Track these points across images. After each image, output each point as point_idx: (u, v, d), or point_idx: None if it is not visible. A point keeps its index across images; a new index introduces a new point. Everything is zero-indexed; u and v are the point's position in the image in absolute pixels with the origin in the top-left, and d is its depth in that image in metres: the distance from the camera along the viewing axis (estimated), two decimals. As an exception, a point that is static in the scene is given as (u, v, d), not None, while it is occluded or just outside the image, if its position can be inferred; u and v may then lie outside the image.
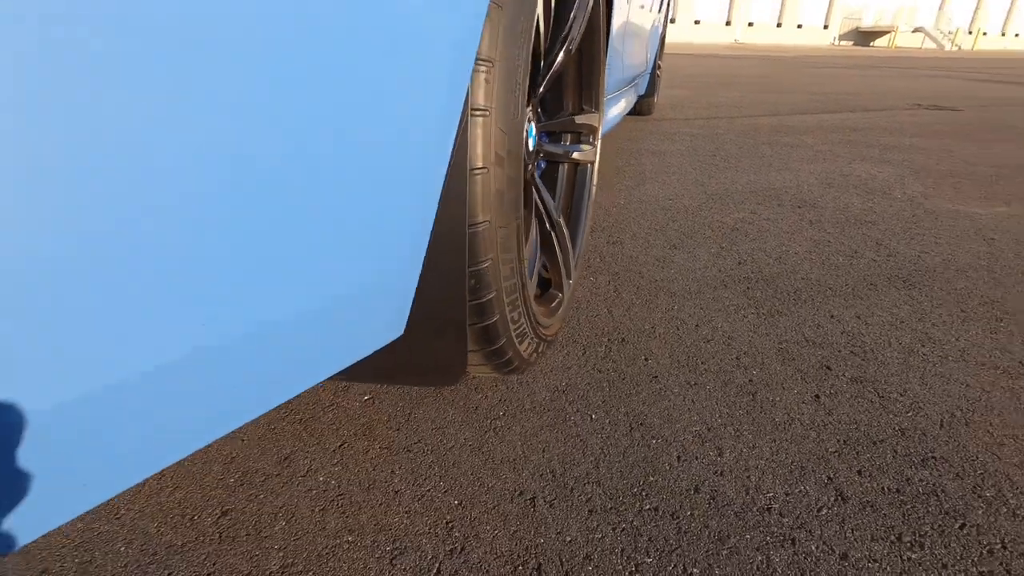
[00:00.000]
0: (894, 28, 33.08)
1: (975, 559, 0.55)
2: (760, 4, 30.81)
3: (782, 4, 31.92)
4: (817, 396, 0.78)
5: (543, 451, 0.67)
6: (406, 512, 0.59)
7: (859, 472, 0.65)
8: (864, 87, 5.55)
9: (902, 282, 1.15)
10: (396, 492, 0.61)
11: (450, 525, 0.57)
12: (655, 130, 2.83)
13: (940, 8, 34.71)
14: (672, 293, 1.08)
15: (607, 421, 0.73)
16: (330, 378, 0.43)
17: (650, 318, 0.98)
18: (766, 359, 0.87)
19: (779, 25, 32.21)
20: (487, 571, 0.53)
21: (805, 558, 0.54)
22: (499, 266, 0.53)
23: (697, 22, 31.97)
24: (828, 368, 0.85)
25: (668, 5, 3.28)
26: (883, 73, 7.75)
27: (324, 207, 0.34)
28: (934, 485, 0.63)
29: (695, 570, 0.53)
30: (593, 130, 1.02)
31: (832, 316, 1.00)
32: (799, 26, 32.26)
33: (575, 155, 0.98)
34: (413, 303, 0.47)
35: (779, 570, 0.53)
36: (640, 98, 2.95)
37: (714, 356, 0.87)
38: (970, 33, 34.93)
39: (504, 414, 0.74)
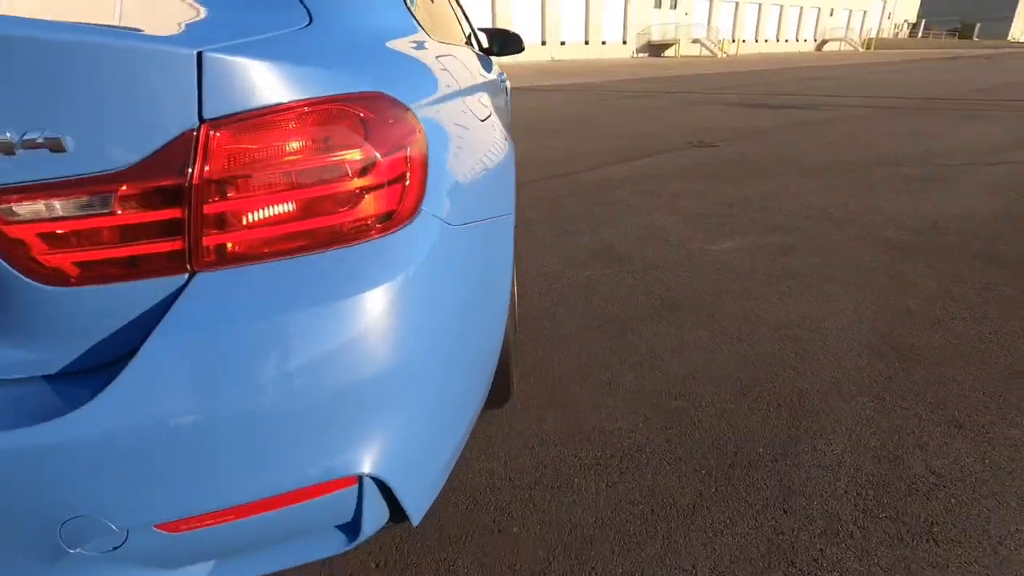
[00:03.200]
0: (677, 40, 38.59)
1: (689, 425, 1.54)
2: (568, 25, 34.14)
3: (587, 24, 35.59)
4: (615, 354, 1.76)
5: (531, 425, 1.55)
6: (487, 459, 1.43)
7: (653, 405, 1.63)
8: (656, 125, 7.18)
9: (672, 311, 2.22)
10: (479, 454, 1.45)
11: (507, 459, 1.43)
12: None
13: (708, 23, 41.21)
14: (557, 337, 2.02)
15: (552, 407, 1.63)
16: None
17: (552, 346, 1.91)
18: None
19: (587, 42, 35.95)
20: (528, 469, 1.39)
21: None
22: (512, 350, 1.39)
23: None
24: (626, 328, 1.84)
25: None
26: (670, 103, 9.73)
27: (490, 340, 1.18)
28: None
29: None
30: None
31: (638, 334, 2.02)
32: (603, 42, 36.42)
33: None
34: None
35: (627, 444, 1.47)
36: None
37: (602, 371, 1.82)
38: (733, 41, 42.23)
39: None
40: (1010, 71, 16.34)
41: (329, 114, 0.67)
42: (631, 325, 2.08)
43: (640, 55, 37.65)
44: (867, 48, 50.60)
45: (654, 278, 2.50)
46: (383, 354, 0.70)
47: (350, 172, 0.69)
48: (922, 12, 69.41)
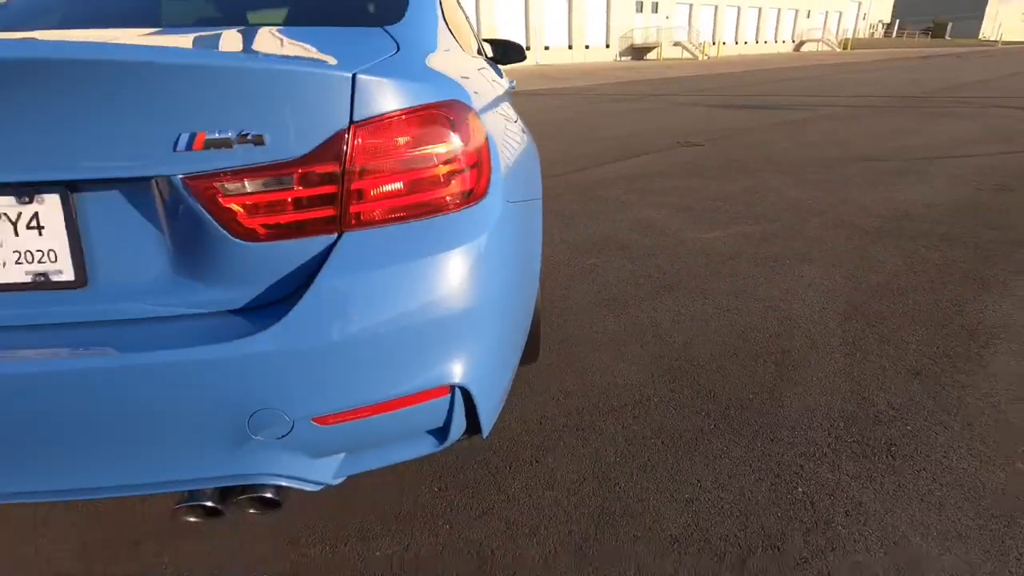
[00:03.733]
0: (659, 43, 39.18)
1: (690, 380, 1.80)
2: (552, 31, 34.56)
3: (569, 29, 36.03)
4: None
5: (554, 384, 1.81)
6: (520, 411, 1.68)
7: (657, 365, 1.89)
8: (643, 126, 7.49)
9: (669, 291, 2.49)
10: (512, 407, 1.70)
11: (536, 410, 1.68)
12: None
13: (689, 26, 41.87)
14: (569, 313, 2.27)
15: (571, 369, 1.88)
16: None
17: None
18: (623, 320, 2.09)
19: (570, 47, 36.41)
20: (555, 417, 1.65)
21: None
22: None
23: (501, 48, 35.12)
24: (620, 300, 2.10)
25: None
26: (654, 105, 10.06)
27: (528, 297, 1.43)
28: (680, 363, 1.89)
29: (615, 401, 1.70)
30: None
31: (641, 309, 2.28)
32: (587, 46, 36.91)
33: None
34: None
35: (638, 395, 1.73)
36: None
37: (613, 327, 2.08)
38: (713, 44, 42.98)
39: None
40: (979, 69, 16.98)
41: (430, 117, 0.93)
42: (634, 302, 2.34)
43: (623, 58, 38.26)
44: (844, 48, 51.75)
45: (652, 263, 2.76)
46: (472, 293, 0.95)
47: (445, 159, 0.94)
48: (896, 12, 71.14)
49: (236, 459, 0.90)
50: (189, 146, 0.79)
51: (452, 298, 0.94)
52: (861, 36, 60.33)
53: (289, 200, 0.85)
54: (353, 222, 0.88)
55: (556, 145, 6.21)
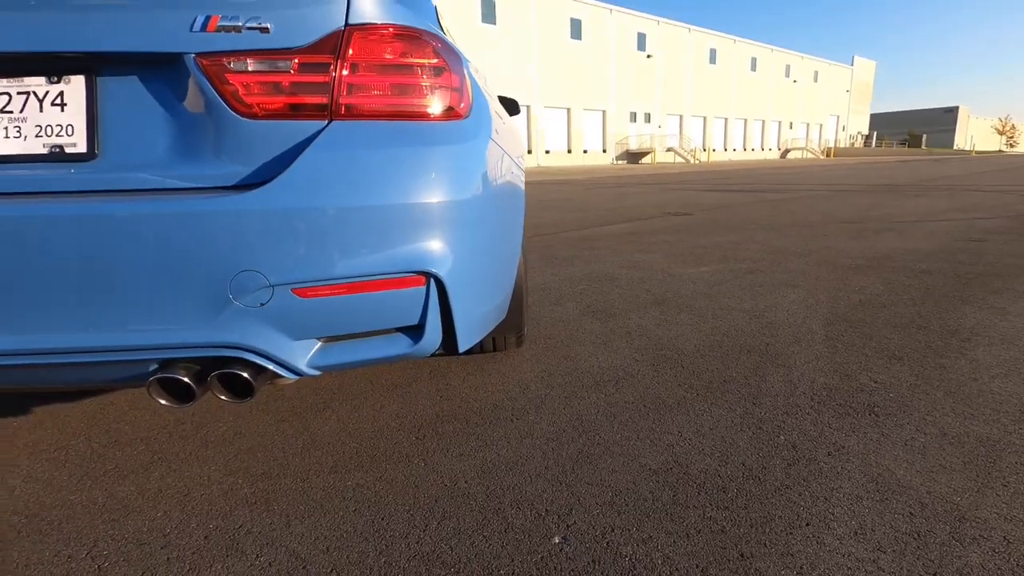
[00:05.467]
0: (653, 149, 41.75)
1: (673, 364, 1.81)
2: (552, 136, 37.07)
3: (569, 135, 38.55)
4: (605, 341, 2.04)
5: (538, 368, 1.82)
6: (503, 386, 1.68)
7: (642, 355, 1.90)
8: (636, 202, 7.87)
9: (657, 305, 2.54)
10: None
11: (520, 386, 1.68)
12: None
13: (680, 133, 44.88)
14: (556, 320, 2.32)
15: (556, 358, 1.90)
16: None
17: (539, 314, 2.20)
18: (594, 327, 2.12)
19: (569, 151, 38.78)
20: (538, 391, 1.65)
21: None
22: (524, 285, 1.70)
23: (504, 151, 37.59)
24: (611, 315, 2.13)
25: None
26: (647, 190, 10.61)
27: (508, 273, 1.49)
28: (664, 354, 1.91)
29: (598, 380, 1.71)
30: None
31: (629, 318, 2.32)
32: (585, 151, 39.34)
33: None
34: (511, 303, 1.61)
35: (621, 375, 1.73)
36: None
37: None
38: (704, 150, 45.83)
39: (518, 363, 1.87)
40: (954, 169, 17.98)
41: (416, 36, 1.06)
42: (621, 313, 2.39)
43: (619, 162, 40.69)
44: (827, 156, 55.07)
45: (641, 288, 2.84)
46: (448, 189, 1.03)
47: (427, 75, 1.06)
48: (872, 125, 76.52)
49: (217, 326, 0.93)
50: (204, 27, 0.91)
51: (428, 191, 1.01)
52: (843, 145, 64.42)
53: (286, 84, 0.96)
54: (342, 111, 0.99)
55: (551, 215, 6.50)
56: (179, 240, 0.88)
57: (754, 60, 51.52)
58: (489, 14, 32.62)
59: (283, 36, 0.94)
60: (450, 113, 1.09)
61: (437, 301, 1.06)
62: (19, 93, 0.92)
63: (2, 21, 0.88)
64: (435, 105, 1.07)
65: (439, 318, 1.08)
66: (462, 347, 1.14)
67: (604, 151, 40.28)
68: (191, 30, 0.91)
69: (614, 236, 4.68)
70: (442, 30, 1.67)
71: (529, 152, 35.44)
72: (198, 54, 0.92)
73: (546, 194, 9.94)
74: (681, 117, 45.58)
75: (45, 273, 0.87)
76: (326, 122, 0.98)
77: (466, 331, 1.14)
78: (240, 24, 0.92)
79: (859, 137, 68.80)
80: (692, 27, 45.56)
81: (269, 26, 0.93)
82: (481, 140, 1.16)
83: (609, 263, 3.52)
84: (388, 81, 1.03)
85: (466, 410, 1.51)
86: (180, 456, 1.31)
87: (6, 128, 0.92)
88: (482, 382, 1.69)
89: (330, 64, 0.97)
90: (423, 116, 1.05)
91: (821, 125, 61.96)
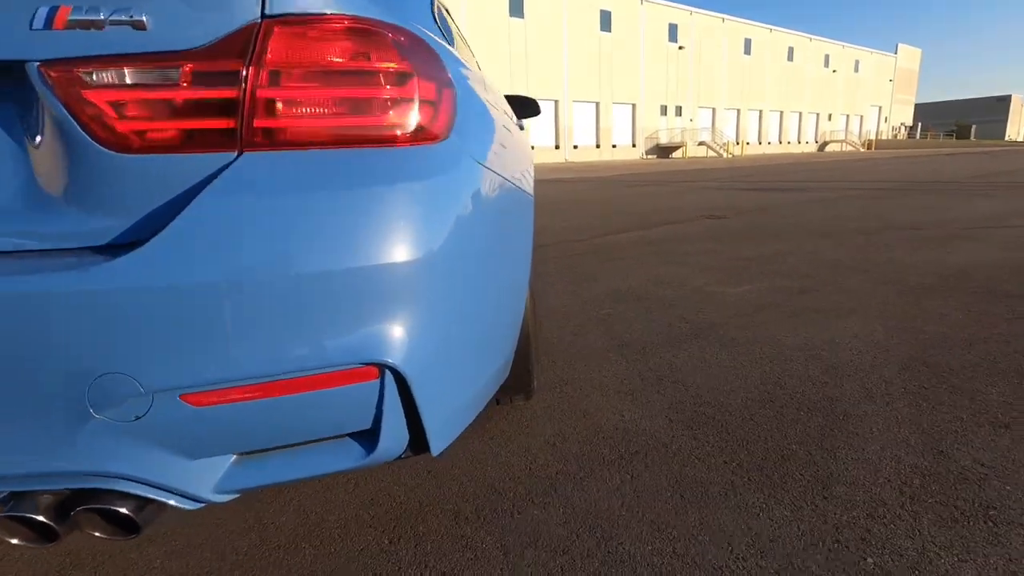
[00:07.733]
0: (684, 143, 40.77)
1: (716, 427, 1.48)
2: (581, 132, 36.53)
3: (597, 129, 37.92)
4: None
5: (551, 428, 1.51)
6: (506, 456, 1.38)
7: (677, 411, 1.58)
8: (665, 204, 7.44)
9: (693, 338, 2.20)
10: (498, 452, 1.40)
11: (527, 456, 1.38)
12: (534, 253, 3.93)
13: (713, 127, 43.71)
14: (575, 357, 2.00)
15: (573, 413, 1.59)
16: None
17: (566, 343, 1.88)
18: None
19: (598, 146, 38.13)
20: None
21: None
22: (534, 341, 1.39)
23: (532, 147, 37.23)
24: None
25: None
26: (678, 189, 10.13)
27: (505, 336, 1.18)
28: (704, 410, 1.58)
29: (623, 449, 1.39)
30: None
31: (661, 355, 1.99)
32: (614, 146, 38.61)
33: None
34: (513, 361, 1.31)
35: (652, 443, 1.41)
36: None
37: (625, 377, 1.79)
38: (737, 144, 44.49)
39: (527, 419, 1.56)
40: (1010, 161, 16.84)
41: (372, 31, 0.76)
42: (651, 349, 2.06)
43: (649, 156, 39.75)
44: (868, 148, 52.89)
45: (673, 313, 2.50)
46: (404, 247, 0.73)
47: (387, 83, 0.76)
48: (917, 116, 73.15)
49: (72, 449, 0.66)
50: (48, 24, 0.63)
51: (381, 249, 0.72)
52: (885, 137, 61.77)
53: (174, 101, 0.67)
54: (257, 138, 0.69)
55: (575, 219, 6.15)
56: (6, 330, 0.61)
57: (791, 50, 49.71)
58: (517, 7, 32.16)
59: (167, 34, 0.66)
60: (419, 135, 0.79)
61: (397, 396, 0.77)
62: None
63: None
64: (396, 125, 0.77)
65: (402, 417, 0.79)
66: (436, 449, 0.84)
67: (633, 146, 39.37)
68: (31, 27, 0.63)
69: (642, 244, 4.32)
70: (436, 23, 1.36)
71: (556, 147, 34.89)
72: (42, 62, 0.64)
73: (575, 192, 9.57)
74: (714, 110, 44.28)
75: None
76: (234, 154, 0.69)
77: (441, 428, 0.84)
78: (101, 18, 0.64)
79: (902, 128, 65.87)
80: (727, 16, 44.19)
81: (145, 19, 0.64)
82: (463, 169, 0.85)
83: (637, 278, 3.18)
84: (325, 95, 0.73)
85: (456, 495, 1.22)
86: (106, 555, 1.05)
87: None
88: (480, 450, 1.39)
89: (239, 72, 0.68)
90: (377, 140, 0.76)
91: (862, 116, 59.49)
